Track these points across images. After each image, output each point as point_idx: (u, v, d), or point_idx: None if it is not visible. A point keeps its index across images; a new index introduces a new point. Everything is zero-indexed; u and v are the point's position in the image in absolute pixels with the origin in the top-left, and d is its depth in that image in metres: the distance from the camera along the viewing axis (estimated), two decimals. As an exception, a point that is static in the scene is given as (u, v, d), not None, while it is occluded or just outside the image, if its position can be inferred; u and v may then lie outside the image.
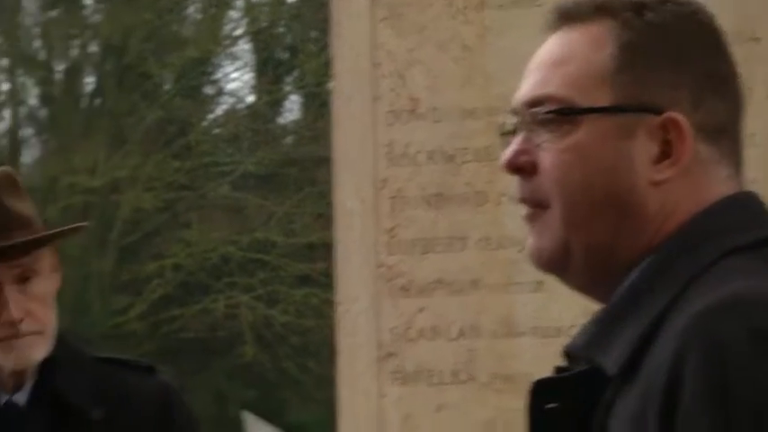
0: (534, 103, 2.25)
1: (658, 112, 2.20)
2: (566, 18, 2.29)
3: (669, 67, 2.23)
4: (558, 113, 2.22)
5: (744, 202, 2.25)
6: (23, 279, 3.67)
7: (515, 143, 2.27)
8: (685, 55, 2.23)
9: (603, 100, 2.21)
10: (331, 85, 6.69)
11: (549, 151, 2.22)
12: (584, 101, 2.22)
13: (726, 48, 2.27)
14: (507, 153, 2.27)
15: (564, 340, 2.33)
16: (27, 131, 50.73)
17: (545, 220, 2.25)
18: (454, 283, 5.60)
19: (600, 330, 2.20)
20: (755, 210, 2.25)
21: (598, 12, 2.25)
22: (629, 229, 2.21)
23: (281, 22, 50.27)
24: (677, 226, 2.20)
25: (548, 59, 2.27)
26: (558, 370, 2.29)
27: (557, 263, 2.27)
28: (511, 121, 2.29)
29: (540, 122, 2.24)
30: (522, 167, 2.25)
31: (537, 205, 2.26)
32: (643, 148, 2.21)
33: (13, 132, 49.87)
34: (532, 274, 5.45)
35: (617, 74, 2.22)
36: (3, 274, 3.62)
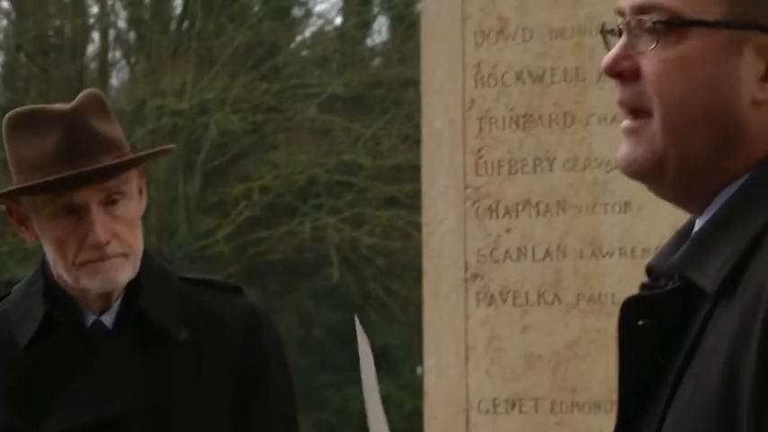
0: (642, 9, 2.21)
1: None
2: None
3: None
4: (666, 24, 2.19)
5: None
6: (110, 202, 3.67)
7: (618, 47, 2.25)
8: None
9: (713, 14, 2.18)
10: (419, 5, 6.69)
11: (653, 60, 2.20)
12: (693, 13, 2.18)
13: None
14: (609, 56, 2.25)
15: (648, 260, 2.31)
16: (116, 54, 50.98)
17: (643, 128, 2.22)
18: (540, 203, 5.59)
19: (696, 247, 2.18)
20: None
21: None
22: (728, 146, 2.18)
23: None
24: None
25: None
26: (644, 287, 2.27)
27: (650, 172, 2.24)
28: (616, 21, 2.27)
29: (646, 30, 2.21)
30: (623, 73, 2.23)
31: (636, 112, 2.23)
32: (749, 66, 2.17)
33: (101, 55, 50.13)
34: (619, 194, 5.49)
35: None
36: (90, 197, 3.62)
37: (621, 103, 2.25)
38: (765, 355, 1.97)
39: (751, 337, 2.00)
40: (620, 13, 2.25)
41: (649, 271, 2.28)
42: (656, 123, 2.19)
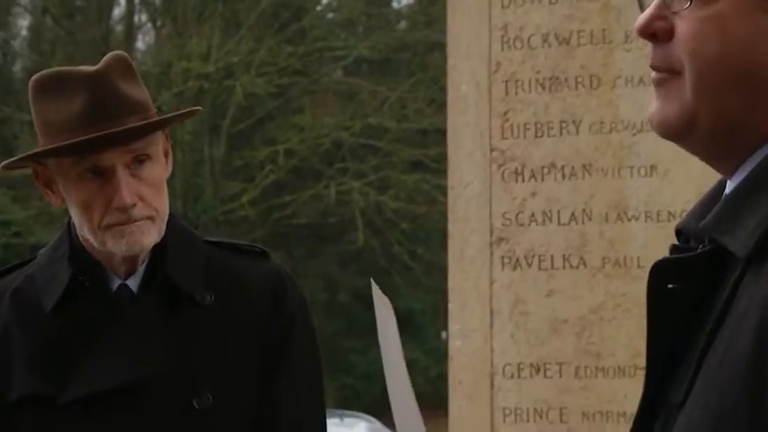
0: None
1: None
2: None
3: None
4: None
5: None
6: (136, 163, 3.67)
7: (652, 8, 2.22)
8: None
9: None
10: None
11: (687, 20, 2.18)
12: None
13: None
14: (643, 17, 2.23)
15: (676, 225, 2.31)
16: (141, 17, 51.07)
17: (675, 86, 2.21)
18: (566, 167, 5.59)
19: (727, 210, 2.17)
20: None
21: None
22: (764, 104, 2.17)
23: None
24: None
25: None
26: (674, 250, 2.28)
27: (680, 130, 2.23)
28: None
29: None
30: (657, 33, 2.22)
31: (668, 71, 2.22)
32: None
33: (128, 18, 50.30)
34: (646, 158, 5.49)
35: None
36: (115, 159, 3.62)
37: (654, 66, 2.24)
38: None
39: None
40: None
41: (678, 233, 2.27)
42: (687, 81, 2.18)
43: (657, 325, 2.24)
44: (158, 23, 49.73)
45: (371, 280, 2.42)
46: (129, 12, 50.84)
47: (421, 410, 2.46)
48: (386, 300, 2.47)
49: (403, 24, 48.33)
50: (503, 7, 5.65)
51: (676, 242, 2.29)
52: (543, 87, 5.62)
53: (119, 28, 48.91)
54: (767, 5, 2.13)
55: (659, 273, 2.21)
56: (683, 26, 2.17)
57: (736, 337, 2.05)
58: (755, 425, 1.97)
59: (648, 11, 2.20)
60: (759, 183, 2.13)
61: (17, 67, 49.55)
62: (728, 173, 2.21)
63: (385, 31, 47.79)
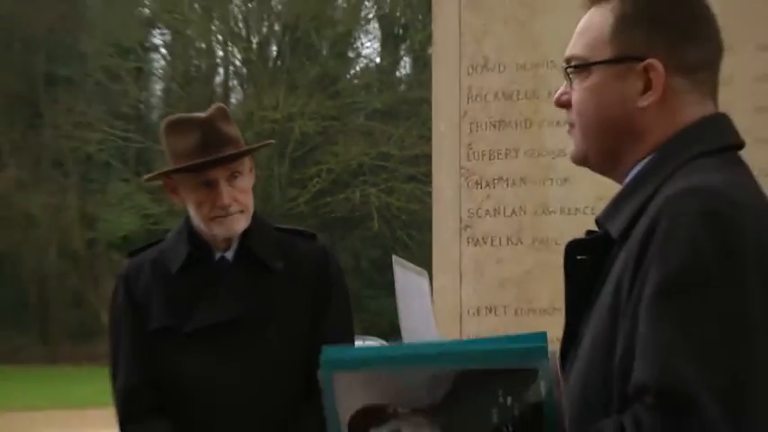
0: (568, 60, 2.28)
1: (641, 59, 2.18)
2: (592, 0, 2.29)
3: (650, 28, 2.21)
4: (577, 67, 2.25)
5: (715, 120, 2.23)
6: (232, 177, 3.70)
7: (561, 88, 2.31)
8: (662, 18, 2.21)
9: (605, 55, 2.22)
10: (431, 49, 6.68)
11: (576, 92, 2.26)
12: (594, 57, 2.23)
13: (700, 8, 2.25)
14: (556, 95, 2.32)
15: (582, 217, 2.33)
16: (233, 83, 51.24)
17: (575, 134, 2.29)
18: (509, 179, 5.57)
19: (612, 206, 2.22)
20: (723, 126, 2.24)
21: None
22: (629, 139, 2.21)
23: (397, 8, 50.51)
24: (666, 138, 2.19)
25: (578, 30, 2.29)
26: (588, 233, 2.30)
27: (581, 162, 2.32)
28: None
29: (570, 73, 2.28)
30: (564, 103, 2.30)
31: (572, 126, 2.30)
32: (632, 85, 2.19)
33: (224, 83, 50.56)
34: (561, 173, 5.49)
35: (614, 37, 2.21)
36: (219, 174, 3.67)
37: (568, 123, 2.32)
38: (636, 272, 2.00)
39: (631, 262, 2.03)
40: (563, 65, 2.32)
41: (597, 222, 2.28)
42: (578, 132, 2.27)
43: (571, 283, 2.25)
44: (244, 86, 49.92)
45: (393, 255, 2.40)
46: (226, 79, 51.13)
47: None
48: (413, 267, 2.43)
49: (403, 86, 48.54)
50: (468, 74, 5.64)
51: (588, 229, 2.32)
52: (495, 127, 5.60)
53: (219, 89, 48.99)
54: (619, 75, 2.20)
55: (572, 248, 2.26)
56: (574, 96, 2.26)
57: (606, 291, 2.11)
58: (611, 340, 2.03)
59: (560, 90, 2.30)
60: (632, 188, 2.19)
61: (154, 115, 49.52)
62: (621, 182, 2.25)
63: (391, 91, 48.04)
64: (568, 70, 2.28)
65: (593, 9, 2.27)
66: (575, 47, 2.27)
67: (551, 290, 4.93)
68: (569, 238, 2.34)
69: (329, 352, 1.97)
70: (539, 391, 1.87)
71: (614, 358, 2.01)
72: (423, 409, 1.95)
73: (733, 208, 1.97)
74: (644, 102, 2.18)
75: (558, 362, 1.89)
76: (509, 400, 1.89)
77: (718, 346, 1.87)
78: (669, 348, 1.88)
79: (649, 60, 2.18)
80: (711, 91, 2.25)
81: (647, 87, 2.19)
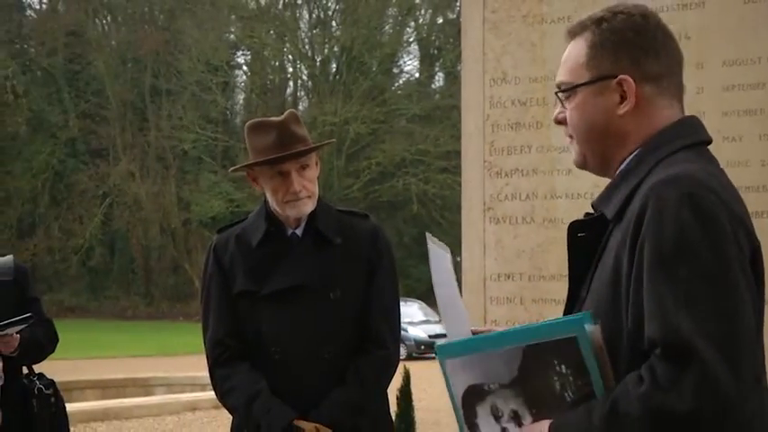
0: (558, 86, 2.31)
1: (613, 77, 2.21)
2: (570, 35, 2.32)
3: (615, 51, 2.23)
4: (564, 91, 2.28)
5: (689, 121, 2.26)
6: (301, 168, 3.69)
7: (557, 109, 2.34)
8: (624, 41, 2.23)
9: (584, 78, 2.24)
10: (460, 67, 6.66)
11: (568, 110, 2.28)
12: (576, 81, 2.25)
13: (654, 30, 2.26)
14: (555, 114, 2.34)
15: (583, 201, 2.34)
16: (300, 93, 51.31)
17: (574, 144, 2.30)
18: (524, 170, 5.55)
19: (606, 193, 2.23)
20: (695, 125, 2.25)
21: (581, 28, 2.28)
22: (616, 142, 2.23)
23: (432, 33, 50.40)
24: (648, 137, 2.21)
25: (562, 60, 2.32)
26: (586, 215, 2.30)
27: (582, 165, 2.34)
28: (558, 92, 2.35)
29: (561, 96, 2.30)
30: (561, 121, 2.31)
31: (570, 137, 2.31)
32: (610, 98, 2.21)
33: (294, 94, 50.70)
34: (566, 165, 5.46)
35: (589, 62, 2.24)
36: (291, 167, 3.67)
37: (567, 135, 2.32)
38: (633, 248, 2.03)
39: (627, 242, 2.05)
40: (556, 90, 2.34)
41: (593, 206, 2.29)
42: (576, 142, 2.29)
43: (573, 256, 2.29)
44: (310, 96, 50.00)
45: (426, 233, 2.43)
46: (295, 91, 51.25)
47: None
48: (441, 244, 2.45)
49: (437, 96, 48.47)
50: (490, 86, 5.61)
51: (589, 210, 2.32)
52: (512, 128, 5.57)
53: (290, 99, 49.11)
54: (598, 93, 2.23)
55: (574, 227, 2.28)
56: (568, 114, 2.29)
57: (605, 264, 2.12)
58: (615, 300, 2.07)
59: (557, 110, 2.33)
60: (622, 178, 2.21)
61: (237, 119, 49.63)
62: (612, 177, 2.26)
63: (427, 100, 47.95)
64: (559, 94, 2.30)
65: (571, 42, 2.30)
66: (561, 74, 2.30)
67: (558, 260, 4.90)
68: (573, 218, 2.35)
69: (441, 345, 2.18)
70: (581, 356, 1.96)
71: (619, 319, 2.05)
72: (507, 384, 2.05)
73: (709, 191, 2.01)
74: (622, 110, 2.21)
75: (600, 335, 1.99)
76: (563, 367, 1.99)
77: (709, 302, 1.92)
78: (668, 308, 1.92)
79: (620, 76, 2.20)
80: (677, 95, 2.27)
81: (623, 98, 2.21)
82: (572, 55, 2.28)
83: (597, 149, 2.26)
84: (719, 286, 1.94)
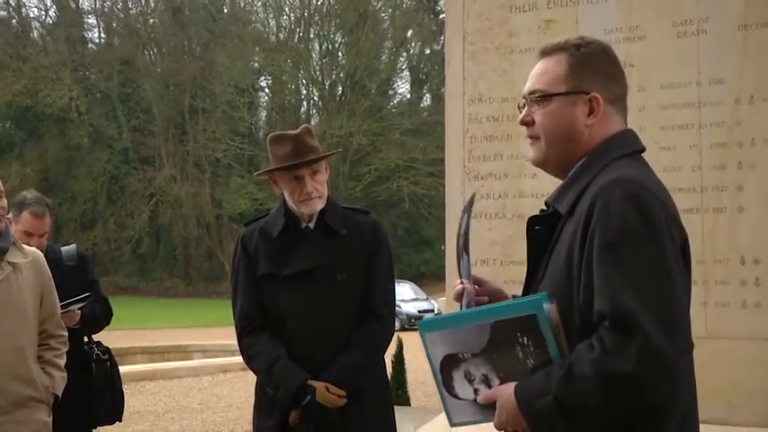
0: (532, 92, 2.25)
1: (587, 93, 2.19)
2: (545, 53, 2.28)
3: (591, 73, 2.21)
4: (541, 97, 2.23)
5: (627, 134, 2.24)
6: (313, 173, 3.66)
7: (524, 111, 2.28)
8: (598, 66, 2.22)
9: (561, 89, 2.20)
10: (443, 89, 6.63)
11: (538, 114, 2.23)
12: (552, 90, 2.21)
13: (616, 60, 2.27)
14: (521, 116, 2.29)
15: (544, 200, 2.31)
16: (313, 111, 51.23)
17: (537, 145, 2.26)
18: (497, 174, 5.53)
19: (559, 192, 2.21)
20: (632, 137, 2.24)
21: (558, 49, 2.25)
22: (575, 147, 2.21)
23: (421, 62, 50.35)
24: (596, 144, 2.19)
25: (536, 72, 2.27)
26: (541, 211, 2.28)
27: (541, 164, 2.29)
28: (521, 101, 2.30)
29: (533, 101, 2.25)
30: (527, 122, 2.26)
31: (535, 138, 2.26)
32: (581, 109, 2.18)
33: (307, 112, 50.61)
34: (531, 170, 5.47)
35: (567, 77, 2.21)
36: (305, 172, 3.64)
37: (529, 135, 2.28)
38: (584, 238, 2.03)
39: (578, 232, 2.04)
40: (524, 97, 2.28)
41: (546, 205, 2.26)
42: (542, 142, 2.23)
43: (531, 246, 2.27)
44: (320, 114, 49.93)
45: (473, 192, 2.42)
46: (308, 109, 51.14)
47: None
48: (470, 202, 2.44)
49: (425, 114, 48.56)
50: (469, 105, 5.59)
51: (541, 208, 2.30)
52: (487, 140, 5.55)
53: (303, 117, 49.07)
54: (570, 103, 2.20)
55: (532, 221, 2.27)
56: (537, 117, 2.24)
57: (559, 253, 2.11)
58: (568, 281, 2.05)
59: (524, 112, 2.28)
60: (572, 180, 2.19)
61: (260, 133, 49.58)
62: (564, 178, 2.23)
63: (417, 117, 47.98)
64: (532, 99, 2.25)
65: (545, 59, 2.26)
66: (537, 84, 2.25)
67: (525, 249, 4.94)
68: (535, 212, 2.32)
69: (423, 321, 2.17)
70: (539, 330, 1.97)
71: (572, 299, 2.04)
72: (478, 353, 2.06)
73: (646, 191, 2.01)
74: (589, 121, 2.19)
75: (556, 311, 1.99)
76: (525, 339, 1.99)
77: (648, 282, 1.92)
78: (615, 287, 1.92)
79: (593, 93, 2.19)
80: (624, 113, 2.27)
81: (591, 111, 2.19)
82: (550, 69, 2.24)
83: (560, 150, 2.22)
84: (657, 270, 1.93)
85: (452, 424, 2.17)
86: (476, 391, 2.08)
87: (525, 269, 2.28)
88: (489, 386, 2.06)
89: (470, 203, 2.44)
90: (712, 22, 5.10)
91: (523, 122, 2.28)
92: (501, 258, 5.33)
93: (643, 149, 2.24)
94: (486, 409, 2.07)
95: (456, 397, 2.12)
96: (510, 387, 2.02)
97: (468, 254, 2.38)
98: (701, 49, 5.11)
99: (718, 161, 5.03)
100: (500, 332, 2.01)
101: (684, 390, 2.04)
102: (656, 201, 2.00)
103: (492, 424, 2.09)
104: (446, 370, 2.11)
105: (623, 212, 1.96)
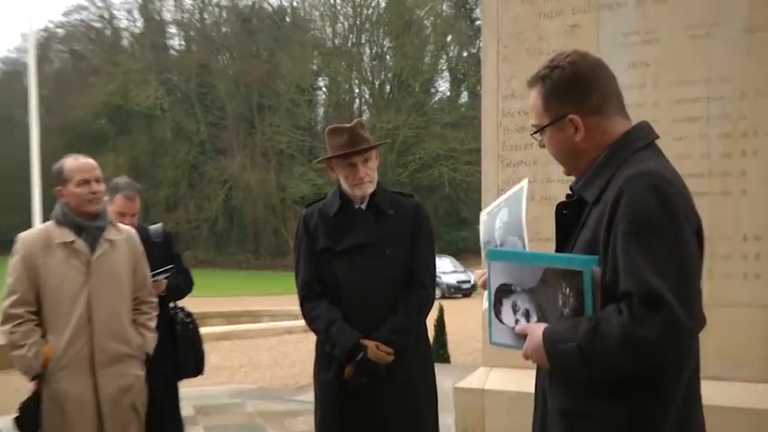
0: (532, 126, 2.23)
1: (565, 116, 2.14)
2: (529, 85, 2.24)
3: (560, 98, 2.16)
4: (537, 130, 2.22)
5: (641, 126, 2.20)
6: (365, 161, 3.66)
7: (538, 137, 2.25)
8: (568, 87, 2.16)
9: (546, 121, 2.18)
10: (479, 87, 6.57)
11: (545, 141, 2.23)
12: (541, 123, 2.19)
13: (587, 72, 2.17)
14: (539, 142, 2.27)
15: (569, 184, 2.29)
16: (364, 107, 51.09)
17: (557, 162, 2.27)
18: (528, 162, 5.47)
19: (585, 182, 2.16)
20: (646, 129, 2.19)
21: (534, 81, 2.21)
22: (578, 158, 2.17)
23: (459, 63, 50.01)
24: (606, 144, 2.15)
25: (530, 106, 2.24)
26: (568, 197, 2.25)
27: (568, 173, 2.27)
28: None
29: (536, 133, 2.23)
30: (543, 146, 2.25)
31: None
32: (568, 131, 2.14)
33: (359, 108, 50.38)
34: (552, 160, 5.48)
35: (545, 109, 2.18)
36: (358, 159, 3.64)
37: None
38: (609, 225, 2.00)
39: (605, 219, 2.02)
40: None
41: (571, 190, 2.24)
42: (556, 159, 2.25)
43: (559, 229, 2.24)
44: (370, 110, 49.81)
45: (525, 180, 2.42)
46: (360, 106, 50.96)
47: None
48: (521, 186, 2.43)
49: (463, 109, 48.16)
50: (502, 100, 5.55)
51: (567, 193, 2.28)
52: (518, 132, 5.51)
53: (356, 112, 49.04)
54: (559, 129, 2.17)
55: (559, 206, 2.23)
56: (545, 143, 2.23)
57: (586, 233, 2.08)
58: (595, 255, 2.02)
59: (539, 139, 2.25)
60: (596, 172, 2.14)
61: (318, 126, 49.68)
62: (581, 176, 2.21)
63: (456, 112, 47.63)
64: (532, 132, 2.23)
65: (531, 90, 2.23)
66: (531, 118, 2.22)
67: (551, 227, 4.90)
68: (562, 197, 2.30)
69: (492, 250, 2.26)
70: (582, 285, 1.98)
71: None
72: (527, 290, 2.09)
73: (667, 183, 1.99)
74: (578, 138, 2.14)
75: (599, 275, 1.99)
76: (567, 290, 2.01)
77: (669, 264, 1.91)
78: (641, 269, 1.91)
79: (569, 116, 2.14)
80: (619, 110, 2.19)
81: (577, 129, 2.14)
82: (534, 104, 2.21)
83: (571, 164, 2.21)
84: (677, 253, 1.92)
85: (492, 342, 2.20)
86: (516, 321, 2.12)
87: (549, 245, 2.27)
88: (528, 320, 2.09)
89: (513, 198, 2.43)
90: (720, 25, 5.02)
91: (541, 145, 2.27)
92: (530, 235, 5.30)
93: (656, 138, 2.20)
94: (520, 339, 2.10)
95: (500, 321, 2.15)
96: (541, 327, 2.04)
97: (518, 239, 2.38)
98: (711, 50, 5.03)
99: (725, 150, 4.97)
100: (550, 278, 2.03)
101: (692, 354, 2.05)
102: (675, 191, 1.98)
103: (520, 353, 2.13)
104: (499, 296, 2.15)
105: (647, 202, 1.94)
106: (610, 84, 2.19)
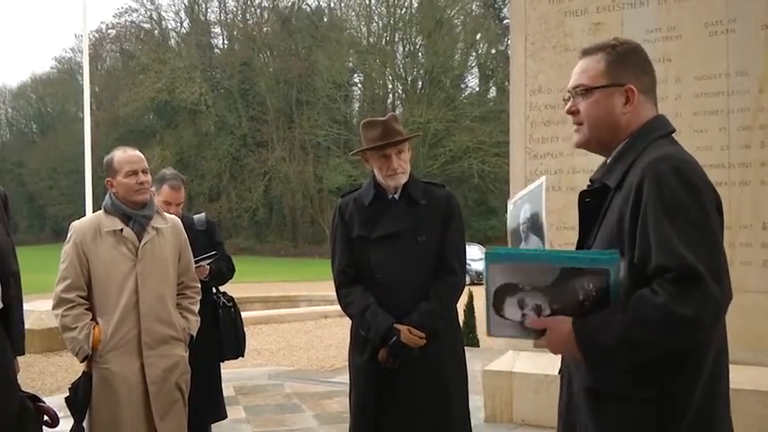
0: (576, 86, 2.20)
1: (623, 85, 2.15)
2: (586, 53, 2.23)
3: (626, 68, 2.16)
4: (585, 90, 2.18)
5: (660, 118, 2.19)
6: (399, 153, 3.64)
7: (570, 103, 2.23)
8: (632, 62, 2.18)
9: (601, 83, 2.16)
10: (507, 83, 6.55)
11: (582, 105, 2.18)
12: (594, 84, 2.17)
13: (646, 57, 2.21)
14: (567, 107, 2.24)
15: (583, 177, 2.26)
16: (397, 102, 50.99)
17: (581, 130, 2.21)
18: (554, 153, 5.43)
19: (607, 169, 2.16)
20: (665, 121, 2.19)
21: (597, 50, 2.20)
22: (615, 131, 2.16)
23: (488, 60, 49.73)
24: (637, 128, 2.15)
25: (579, 69, 2.22)
26: (589, 186, 2.23)
27: (584, 146, 2.24)
28: (566, 94, 2.24)
29: (578, 94, 2.20)
30: (573, 112, 2.21)
31: (579, 124, 2.21)
32: (619, 99, 2.14)
33: (392, 103, 50.31)
34: (583, 150, 5.43)
35: (606, 72, 2.16)
36: (392, 151, 3.63)
37: (575, 122, 2.22)
38: (635, 207, 1.98)
39: (630, 202, 2.00)
40: (569, 90, 2.23)
41: (591, 181, 2.22)
42: (585, 127, 2.19)
43: (582, 216, 2.21)
44: (403, 104, 49.71)
45: (543, 177, 2.37)
46: (393, 101, 50.89)
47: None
48: (540, 182, 2.38)
49: (491, 104, 47.83)
50: (530, 95, 5.52)
51: (588, 182, 2.25)
52: (545, 125, 5.48)
53: (389, 106, 49.01)
54: (610, 94, 2.16)
55: (582, 194, 2.20)
56: (582, 107, 2.19)
57: (611, 218, 2.05)
58: (620, 244, 2.01)
59: (569, 103, 2.22)
60: (617, 159, 2.14)
61: (353, 120, 49.72)
62: (608, 156, 2.19)
63: (485, 106, 47.36)
64: (576, 92, 2.20)
65: (586, 57, 2.22)
66: (580, 79, 2.20)
67: (576, 216, 4.87)
68: (583, 187, 2.27)
69: (490, 252, 2.05)
70: (608, 283, 1.94)
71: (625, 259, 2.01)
72: (539, 288, 2.00)
73: (687, 165, 1.99)
74: (626, 110, 2.15)
75: (624, 267, 1.96)
76: (591, 286, 1.96)
77: (699, 240, 1.91)
78: (675, 243, 1.90)
79: (629, 85, 2.15)
80: (654, 101, 2.22)
81: (628, 100, 2.14)
82: (590, 66, 2.19)
83: (601, 133, 2.17)
84: (704, 229, 1.92)
85: (489, 334, 2.15)
86: (524, 315, 2.04)
87: (575, 234, 2.25)
88: (539, 314, 2.02)
89: (533, 194, 2.37)
90: (739, 22, 4.95)
91: (569, 112, 2.23)
92: (557, 224, 5.27)
93: (673, 130, 2.20)
94: (529, 331, 2.05)
95: (502, 317, 2.07)
96: (566, 321, 1.99)
97: (536, 235, 2.30)
98: (730, 46, 4.96)
99: (744, 141, 4.91)
100: (568, 276, 1.96)
101: (717, 334, 2.03)
102: (694, 172, 1.98)
103: (526, 341, 2.11)
104: (500, 294, 2.05)
105: (671, 184, 1.93)
106: (655, 77, 2.25)
